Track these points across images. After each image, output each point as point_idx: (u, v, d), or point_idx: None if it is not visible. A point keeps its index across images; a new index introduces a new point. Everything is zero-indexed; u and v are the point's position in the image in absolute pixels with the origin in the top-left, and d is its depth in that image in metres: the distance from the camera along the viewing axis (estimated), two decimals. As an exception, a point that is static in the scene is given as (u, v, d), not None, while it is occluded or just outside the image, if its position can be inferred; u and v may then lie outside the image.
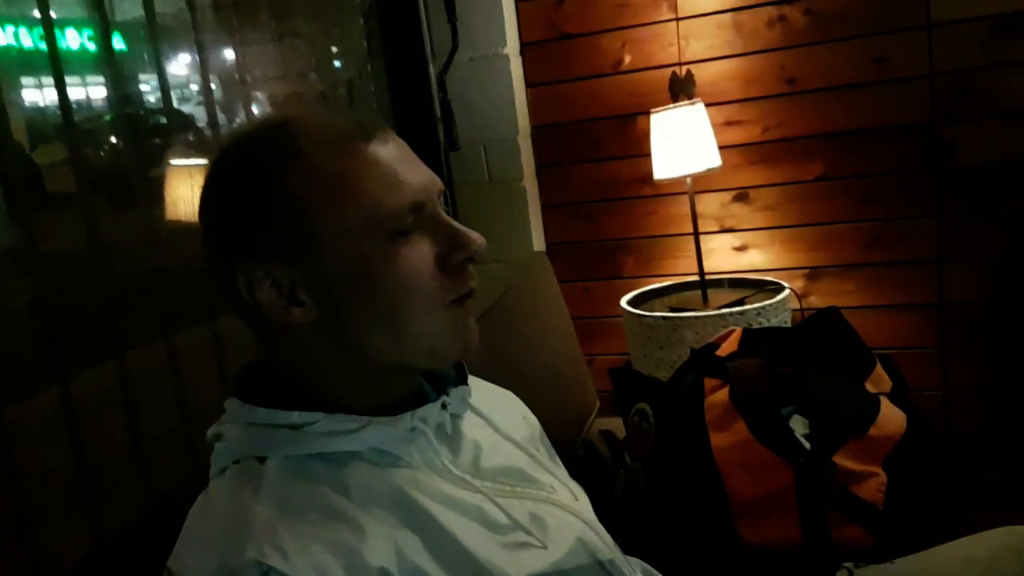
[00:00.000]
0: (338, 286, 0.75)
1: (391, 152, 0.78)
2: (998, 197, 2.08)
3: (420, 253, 0.76)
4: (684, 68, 2.25)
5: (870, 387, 1.64)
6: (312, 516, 0.71)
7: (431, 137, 2.27)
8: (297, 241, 0.75)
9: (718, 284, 2.28)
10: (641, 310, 2.18)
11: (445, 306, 0.77)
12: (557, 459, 1.03)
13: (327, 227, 0.74)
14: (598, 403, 2.12)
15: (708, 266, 2.25)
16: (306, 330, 0.77)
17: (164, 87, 1.68)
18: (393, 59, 2.20)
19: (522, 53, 2.39)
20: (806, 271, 2.29)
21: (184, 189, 1.69)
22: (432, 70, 2.27)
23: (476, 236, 0.78)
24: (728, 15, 2.23)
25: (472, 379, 0.90)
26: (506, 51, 2.31)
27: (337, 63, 2.29)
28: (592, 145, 2.40)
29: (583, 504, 0.92)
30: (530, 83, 2.40)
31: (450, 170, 2.32)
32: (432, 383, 0.87)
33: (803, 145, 2.24)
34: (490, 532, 0.78)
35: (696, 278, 2.23)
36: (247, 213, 0.76)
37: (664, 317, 2.09)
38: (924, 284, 2.18)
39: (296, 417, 0.75)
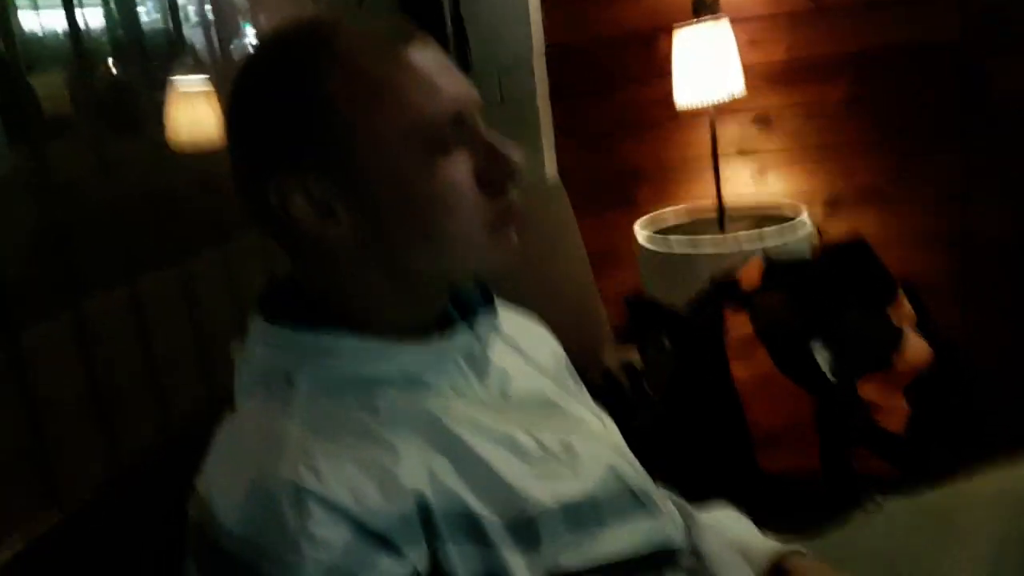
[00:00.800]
0: (376, 198, 0.72)
1: (431, 58, 0.73)
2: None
3: (459, 168, 0.72)
4: (708, -17, 2.16)
5: (893, 318, 1.62)
6: (345, 437, 0.69)
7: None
8: (333, 149, 0.71)
9: (737, 219, 2.22)
10: (656, 240, 2.13)
11: (486, 223, 0.74)
12: (583, 388, 1.00)
13: (365, 134, 0.71)
14: (611, 333, 2.09)
15: (725, 192, 2.20)
16: (341, 245, 0.73)
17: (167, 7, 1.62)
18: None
19: (538, -33, 2.29)
20: (825, 199, 2.24)
21: (183, 112, 1.64)
22: (445, -15, 2.18)
23: (517, 153, 0.74)
24: (753, -72, 2.14)
25: (500, 306, 0.87)
26: (521, -35, 2.21)
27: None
28: (609, 66, 2.32)
29: (612, 433, 0.90)
30: (545, 1, 2.31)
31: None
32: (457, 306, 0.84)
33: (827, 66, 2.17)
34: (521, 461, 0.76)
35: (711, 205, 2.18)
36: (280, 119, 0.72)
37: (680, 249, 2.05)
38: (947, 218, 2.14)
39: (325, 337, 0.73)
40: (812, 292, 1.61)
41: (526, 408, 0.82)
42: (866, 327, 1.59)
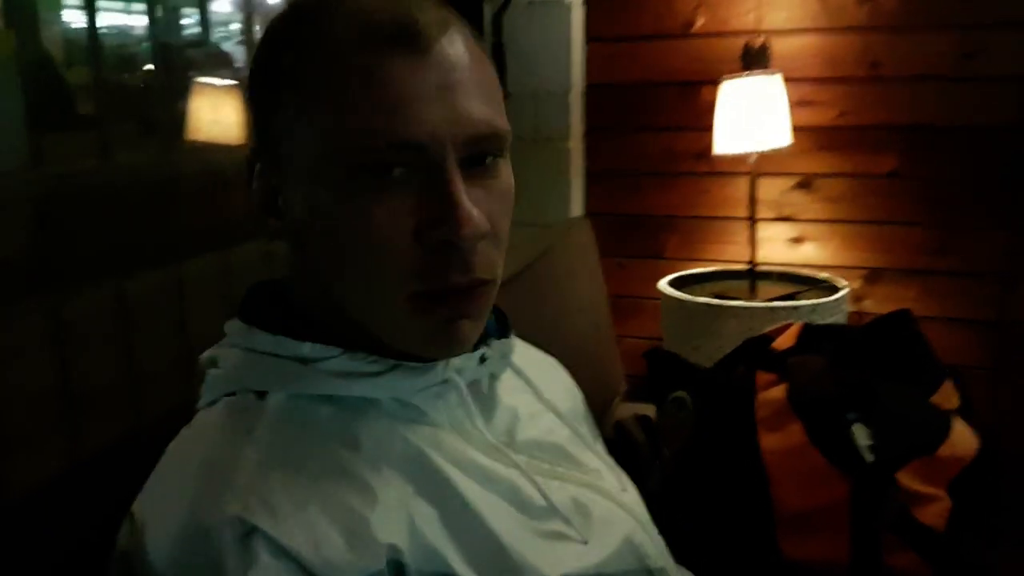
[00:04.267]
0: (299, 213, 0.62)
1: (421, 72, 0.58)
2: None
3: (395, 210, 0.58)
4: (761, 38, 2.08)
5: (938, 402, 1.50)
6: (314, 469, 0.58)
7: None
8: (281, 144, 0.62)
9: (767, 276, 2.12)
10: (683, 293, 2.02)
11: (411, 292, 0.59)
12: (601, 441, 0.88)
13: (304, 140, 0.60)
14: (624, 386, 1.98)
15: (759, 256, 2.09)
16: (293, 254, 0.67)
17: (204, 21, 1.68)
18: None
19: (585, 3, 2.22)
20: (865, 272, 2.13)
21: (209, 122, 1.68)
22: (487, 9, 2.12)
23: (473, 216, 0.58)
24: (815, -14, 2.07)
25: (514, 337, 0.75)
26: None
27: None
28: (649, 111, 2.24)
29: (633, 497, 0.78)
30: (591, 37, 2.24)
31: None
32: None
33: (878, 136, 2.07)
34: (521, 515, 0.64)
35: (743, 267, 2.07)
36: (254, 94, 0.65)
37: (708, 303, 1.93)
38: (986, 299, 2.03)
39: (308, 349, 0.62)
40: (853, 362, 1.48)
41: (534, 455, 0.70)
42: (911, 408, 1.46)
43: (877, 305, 2.10)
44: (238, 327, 0.66)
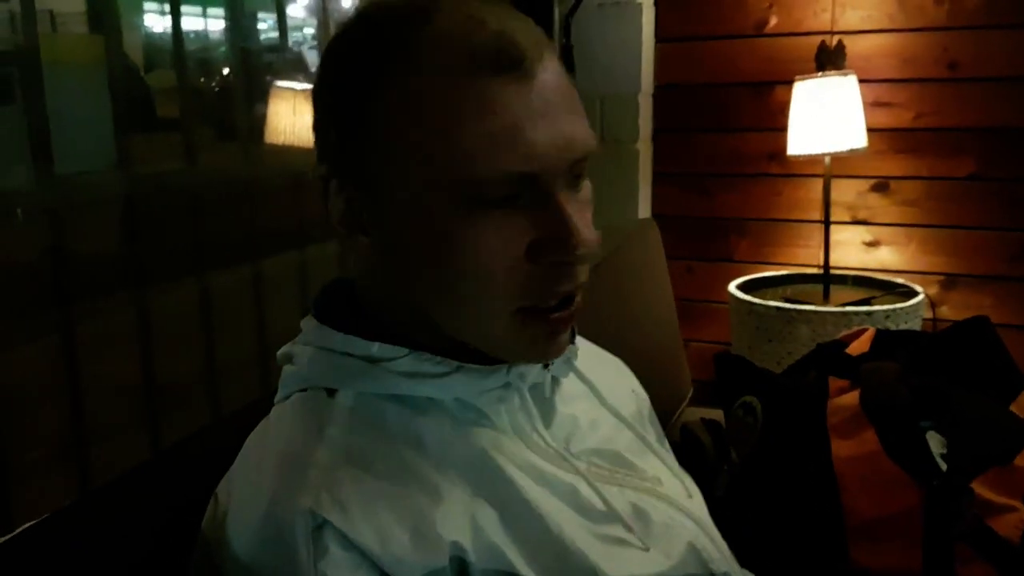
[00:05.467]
0: (401, 236, 0.62)
1: (526, 97, 0.58)
2: None
3: (507, 234, 0.59)
4: (835, 38, 2.04)
5: (1017, 411, 1.46)
6: (381, 468, 0.60)
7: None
8: (371, 164, 0.61)
9: (841, 280, 2.08)
10: (755, 297, 2.00)
11: (518, 310, 0.60)
12: (667, 444, 0.88)
13: (405, 165, 0.59)
14: (691, 391, 1.96)
15: (833, 260, 2.06)
16: (377, 264, 0.65)
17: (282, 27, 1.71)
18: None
19: (656, 3, 2.21)
20: (941, 278, 2.08)
21: (287, 124, 1.71)
22: (557, 11, 2.12)
23: (587, 237, 0.59)
24: (892, -15, 2.03)
25: (578, 338, 0.75)
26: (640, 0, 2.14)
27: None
28: (719, 112, 2.22)
29: (697, 503, 0.77)
30: (660, 38, 2.23)
31: (563, 122, 2.17)
32: None
33: (956, 138, 2.02)
34: (582, 518, 0.64)
35: (816, 271, 2.04)
36: (331, 111, 0.63)
37: (779, 307, 1.91)
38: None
39: (376, 349, 0.63)
40: (928, 369, 1.45)
41: (593, 461, 0.70)
42: (987, 416, 1.42)
43: (954, 312, 2.05)
44: (312, 325, 0.68)
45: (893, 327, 1.86)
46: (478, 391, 0.64)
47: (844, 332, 1.58)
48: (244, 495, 0.60)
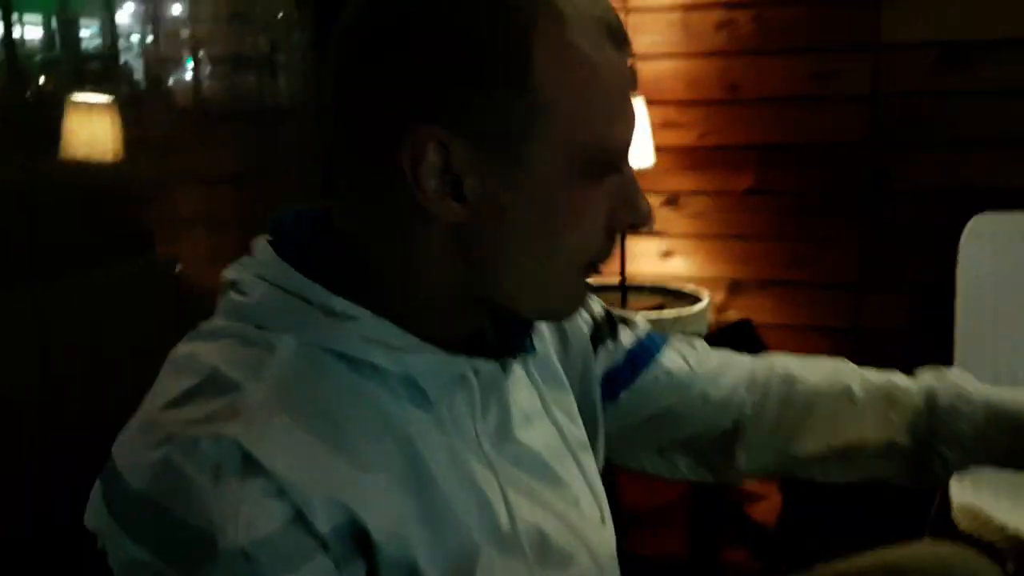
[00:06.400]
0: (515, 198, 0.60)
1: (629, 71, 0.64)
2: (924, 228, 2.05)
3: (600, 200, 0.63)
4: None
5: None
6: (314, 423, 0.58)
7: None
8: (506, 122, 0.58)
9: (638, 290, 2.21)
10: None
11: (584, 265, 0.65)
12: (601, 458, 0.85)
13: (544, 121, 0.59)
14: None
15: (632, 270, 2.19)
16: (434, 229, 0.61)
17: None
18: (326, 13, 2.08)
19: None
20: (728, 283, 2.24)
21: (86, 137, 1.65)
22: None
23: (648, 207, 0.67)
24: (678, 13, 2.17)
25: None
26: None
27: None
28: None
29: (608, 532, 0.76)
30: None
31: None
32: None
33: (737, 155, 2.19)
34: (489, 533, 0.64)
35: (615, 281, 2.16)
36: (466, 53, 0.57)
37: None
38: (841, 308, 2.16)
39: (338, 304, 0.61)
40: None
41: (518, 464, 0.69)
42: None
43: (739, 314, 2.21)
44: (269, 256, 0.64)
45: (683, 331, 1.99)
46: (432, 373, 0.63)
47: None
48: (157, 405, 0.58)
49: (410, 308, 0.63)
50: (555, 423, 0.75)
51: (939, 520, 1.72)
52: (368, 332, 0.61)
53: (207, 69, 2.09)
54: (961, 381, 0.89)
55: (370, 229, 0.64)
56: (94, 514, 0.58)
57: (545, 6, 0.58)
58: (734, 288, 2.24)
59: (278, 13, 2.14)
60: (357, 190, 0.64)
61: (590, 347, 0.85)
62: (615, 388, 0.87)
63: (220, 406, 0.56)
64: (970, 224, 1.90)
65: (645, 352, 0.89)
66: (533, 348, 0.73)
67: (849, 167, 2.12)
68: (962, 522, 1.60)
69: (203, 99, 2.08)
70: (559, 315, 0.72)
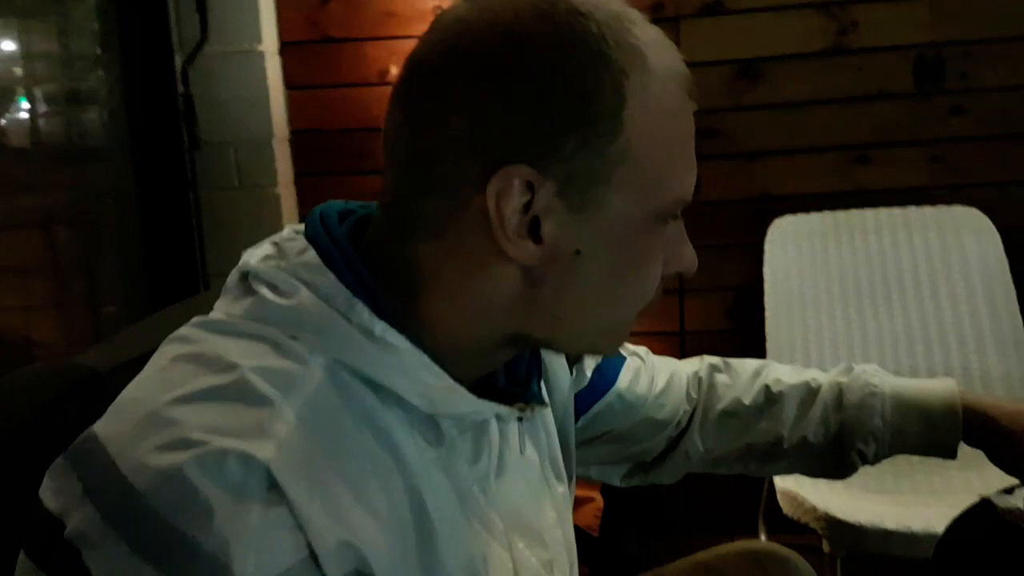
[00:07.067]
0: (590, 243, 0.60)
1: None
2: (733, 233, 2.18)
3: (663, 248, 0.65)
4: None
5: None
6: (340, 447, 0.55)
7: (173, 134, 2.10)
8: (589, 162, 0.58)
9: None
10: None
11: (639, 311, 0.67)
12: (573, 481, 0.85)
13: (630, 170, 0.60)
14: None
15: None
16: (507, 269, 0.61)
17: None
18: (132, 42, 2.02)
19: (281, 52, 2.27)
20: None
21: None
22: (177, 61, 2.11)
23: (694, 253, 0.69)
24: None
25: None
26: (262, 48, 2.18)
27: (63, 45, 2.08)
28: (356, 156, 2.31)
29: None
30: (290, 85, 2.29)
31: (194, 172, 2.16)
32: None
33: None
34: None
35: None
36: (567, 98, 0.58)
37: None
38: (667, 313, 2.26)
39: (378, 328, 0.58)
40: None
41: (512, 517, 0.68)
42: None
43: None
44: (314, 261, 0.60)
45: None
46: (458, 416, 0.62)
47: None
48: (165, 396, 0.53)
49: (454, 345, 0.62)
50: (545, 478, 0.75)
51: (769, 506, 1.82)
52: (406, 366, 0.59)
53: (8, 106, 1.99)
54: (869, 376, 0.94)
55: (440, 264, 0.62)
56: (60, 494, 0.52)
57: (639, 57, 0.60)
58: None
59: (83, 51, 2.06)
60: (430, 225, 0.62)
61: (568, 373, 0.85)
62: (578, 412, 0.89)
63: (250, 422, 0.52)
64: (771, 227, 2.04)
65: (604, 378, 0.92)
66: (543, 400, 0.73)
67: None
68: (785, 507, 1.69)
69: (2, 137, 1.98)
70: (600, 354, 0.76)
